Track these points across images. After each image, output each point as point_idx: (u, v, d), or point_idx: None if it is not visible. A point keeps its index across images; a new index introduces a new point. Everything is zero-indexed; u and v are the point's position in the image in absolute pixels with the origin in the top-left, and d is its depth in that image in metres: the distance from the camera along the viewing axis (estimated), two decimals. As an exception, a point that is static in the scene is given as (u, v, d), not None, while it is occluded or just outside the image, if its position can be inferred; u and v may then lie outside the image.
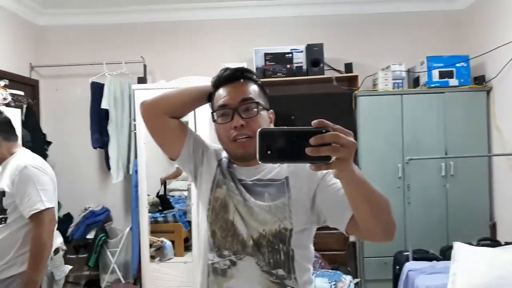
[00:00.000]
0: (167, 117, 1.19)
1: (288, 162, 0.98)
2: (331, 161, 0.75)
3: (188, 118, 3.58)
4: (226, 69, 1.19)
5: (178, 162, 1.24)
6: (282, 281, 1.10)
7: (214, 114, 1.17)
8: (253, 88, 1.17)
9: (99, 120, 3.85)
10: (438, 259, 3.14)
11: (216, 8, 4.16)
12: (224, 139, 1.15)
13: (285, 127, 0.76)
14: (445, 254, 3.17)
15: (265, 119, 1.16)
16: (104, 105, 3.74)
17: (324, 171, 1.09)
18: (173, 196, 4.32)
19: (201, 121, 3.50)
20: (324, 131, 0.74)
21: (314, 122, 0.76)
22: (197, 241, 3.62)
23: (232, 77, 1.17)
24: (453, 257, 2.60)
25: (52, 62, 4.09)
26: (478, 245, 2.96)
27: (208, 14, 4.19)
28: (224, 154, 1.24)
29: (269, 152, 0.75)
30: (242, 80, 1.17)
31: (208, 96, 1.22)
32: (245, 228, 1.11)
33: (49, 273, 2.04)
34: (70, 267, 2.39)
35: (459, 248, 2.61)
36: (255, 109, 1.13)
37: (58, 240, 2.15)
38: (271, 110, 1.21)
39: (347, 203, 0.96)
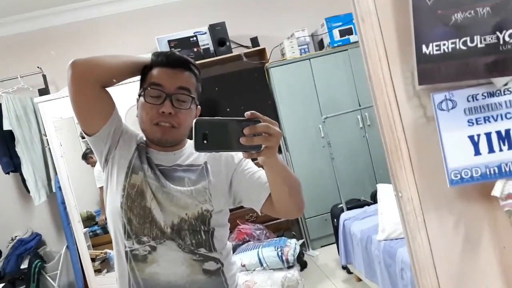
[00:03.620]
0: (98, 85, 1.10)
1: (222, 151, 1.03)
2: (261, 149, 0.84)
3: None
4: (172, 53, 1.15)
5: (93, 138, 1.15)
6: (205, 257, 1.13)
7: (146, 90, 1.11)
8: (193, 81, 1.15)
9: (5, 143, 3.57)
10: (369, 204, 3.36)
11: (109, 3, 3.98)
12: (146, 119, 1.12)
13: (220, 117, 0.81)
14: (375, 198, 3.39)
15: (193, 115, 1.15)
16: (6, 126, 3.47)
17: (240, 156, 1.16)
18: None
19: (120, 101, 3.33)
20: (255, 121, 0.82)
21: (246, 113, 0.83)
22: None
23: (177, 62, 1.13)
24: (379, 198, 2.80)
25: None
26: (400, 183, 3.21)
27: (101, 10, 4.00)
28: (142, 140, 1.20)
29: (205, 141, 0.79)
30: (185, 70, 1.14)
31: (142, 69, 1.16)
32: (162, 215, 1.10)
33: None
34: None
35: (382, 189, 2.81)
36: (188, 103, 1.12)
37: None
38: (199, 107, 1.20)
39: (262, 185, 1.08)
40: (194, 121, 0.80)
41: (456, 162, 0.50)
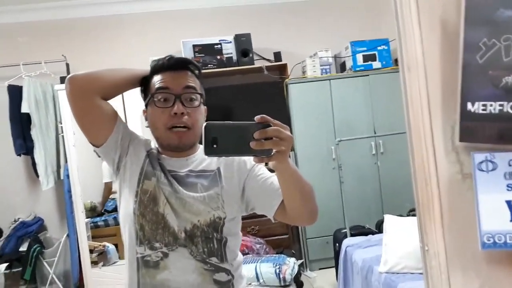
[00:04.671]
0: (98, 98, 1.10)
1: (232, 155, 1.01)
2: (272, 153, 0.82)
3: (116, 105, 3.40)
4: (171, 56, 1.16)
5: (101, 149, 1.15)
6: (216, 267, 1.12)
7: (153, 97, 1.12)
8: (196, 80, 1.16)
9: (21, 125, 3.61)
10: (374, 233, 3.32)
11: (139, 1, 4.03)
12: (159, 125, 1.12)
13: (230, 121, 0.79)
14: (380, 227, 3.35)
15: (203, 114, 1.16)
16: (24, 109, 3.51)
17: (253, 162, 1.13)
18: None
19: (132, 110, 3.34)
20: (266, 126, 0.80)
21: (257, 117, 0.81)
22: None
23: (179, 64, 1.14)
24: (385, 229, 2.76)
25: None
26: (408, 215, 3.17)
27: (131, 7, 4.05)
28: (153, 145, 1.20)
29: (214, 146, 0.78)
30: (187, 70, 1.15)
31: (141, 80, 1.18)
32: (176, 220, 1.10)
33: None
34: None
35: (389, 221, 2.78)
36: (197, 101, 1.13)
37: None
38: (205, 107, 1.20)
39: (275, 191, 1.05)
40: (204, 125, 0.79)
41: (491, 225, 0.49)
